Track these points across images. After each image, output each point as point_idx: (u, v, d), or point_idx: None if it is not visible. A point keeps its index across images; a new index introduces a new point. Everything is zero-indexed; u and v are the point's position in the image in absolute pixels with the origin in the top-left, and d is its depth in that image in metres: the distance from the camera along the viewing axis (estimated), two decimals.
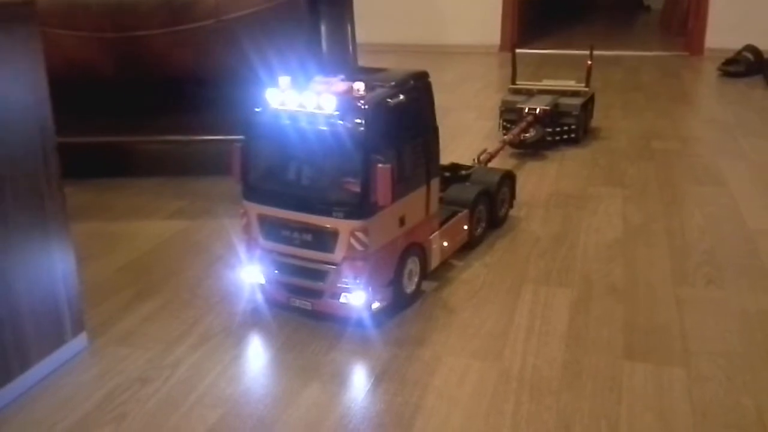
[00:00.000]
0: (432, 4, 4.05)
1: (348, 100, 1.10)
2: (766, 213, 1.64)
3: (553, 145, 2.14)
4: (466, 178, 1.53)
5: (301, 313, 1.19)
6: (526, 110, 2.10)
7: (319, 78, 1.19)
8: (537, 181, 1.86)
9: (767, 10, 3.67)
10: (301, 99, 1.12)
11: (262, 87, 1.16)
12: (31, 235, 1.00)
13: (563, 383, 1.02)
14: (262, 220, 1.17)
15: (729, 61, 3.30)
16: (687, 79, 3.24)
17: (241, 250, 1.34)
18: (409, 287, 1.22)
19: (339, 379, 1.03)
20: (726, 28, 3.71)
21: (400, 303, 1.20)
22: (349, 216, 1.10)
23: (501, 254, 1.44)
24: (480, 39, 4.03)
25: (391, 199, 1.09)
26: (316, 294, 1.16)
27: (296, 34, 1.72)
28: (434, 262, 1.30)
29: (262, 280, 1.21)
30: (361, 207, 1.09)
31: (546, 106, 2.10)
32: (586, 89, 2.25)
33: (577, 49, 3.85)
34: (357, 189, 1.09)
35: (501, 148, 1.86)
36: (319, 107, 1.10)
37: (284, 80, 1.15)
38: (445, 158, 1.48)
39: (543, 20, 4.90)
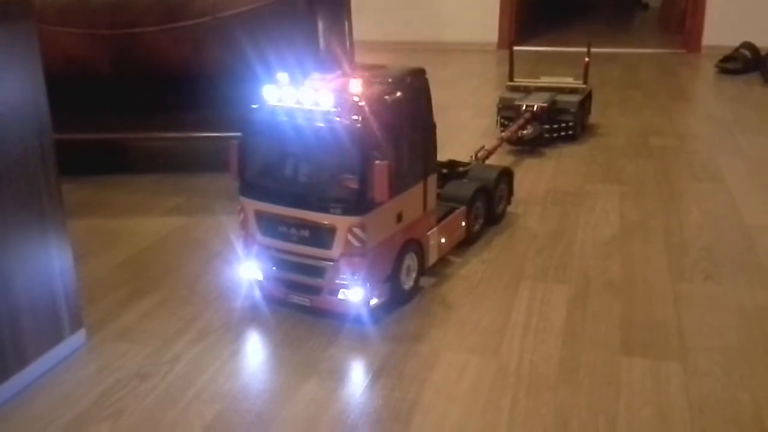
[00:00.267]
0: (430, 2, 4.05)
1: (345, 97, 1.10)
2: (763, 209, 1.64)
3: (551, 142, 2.14)
4: (464, 174, 1.53)
5: (299, 310, 1.19)
6: (524, 107, 2.10)
7: (316, 75, 1.19)
8: (534, 178, 1.86)
9: (765, 7, 3.67)
10: (299, 96, 1.12)
11: (259, 84, 1.16)
12: (28, 232, 1.00)
13: (561, 379, 1.02)
14: (260, 216, 1.17)
15: (726, 58, 3.30)
16: (685, 76, 3.24)
17: (239, 246, 1.34)
18: (407, 283, 1.23)
19: (337, 375, 1.03)
20: (723, 26, 3.71)
21: (397, 299, 1.21)
22: (346, 212, 1.10)
23: (499, 251, 1.44)
24: (478, 36, 4.03)
25: (389, 195, 1.09)
26: (314, 290, 1.16)
27: (293, 31, 1.72)
28: (432, 258, 1.30)
29: (260, 277, 1.21)
30: (358, 203, 1.09)
31: (544, 103, 2.10)
32: (584, 86, 2.25)
33: (574, 47, 3.85)
34: (354, 185, 1.09)
35: (498, 145, 1.87)
36: (317, 104, 1.10)
37: (281, 77, 1.15)
38: (443, 155, 1.49)
39: (541, 18, 4.90)
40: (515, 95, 2.21)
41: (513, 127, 2.02)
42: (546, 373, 1.03)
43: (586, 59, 2.27)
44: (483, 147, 1.77)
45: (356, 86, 1.11)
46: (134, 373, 1.05)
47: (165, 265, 1.39)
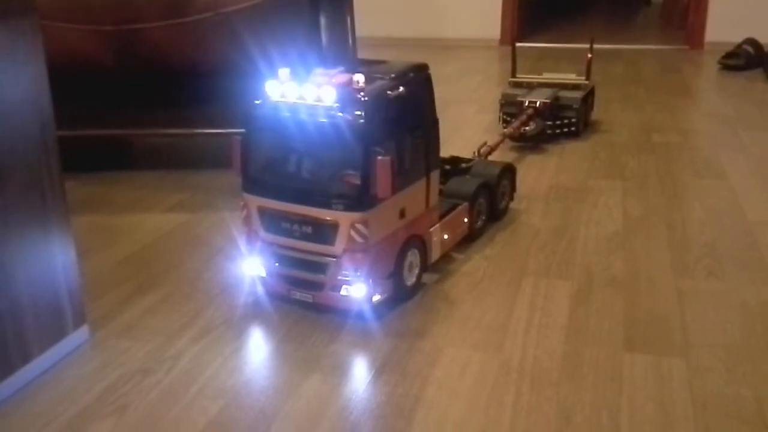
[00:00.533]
0: None
1: (348, 92, 1.10)
2: (766, 205, 1.64)
3: (554, 138, 2.14)
4: (467, 171, 1.53)
5: (302, 306, 1.19)
6: (527, 103, 2.10)
7: (319, 70, 1.19)
8: (537, 174, 1.86)
9: (767, 3, 3.66)
10: (301, 91, 1.12)
11: (261, 79, 1.16)
12: (31, 228, 1.00)
13: (564, 374, 1.02)
14: (263, 212, 1.17)
15: (729, 55, 3.29)
16: (687, 72, 3.24)
17: (242, 242, 1.34)
18: (410, 279, 1.23)
19: (340, 371, 1.03)
20: (726, 22, 3.70)
21: (400, 295, 1.21)
22: (349, 208, 1.10)
23: (501, 247, 1.44)
24: (480, 33, 4.03)
25: (392, 191, 1.09)
26: (316, 286, 1.16)
27: (296, 26, 1.72)
28: (435, 254, 1.30)
29: (263, 273, 1.21)
30: (361, 199, 1.09)
31: (546, 99, 2.10)
32: (587, 82, 2.25)
33: (577, 43, 3.84)
34: (357, 181, 1.09)
35: (501, 141, 1.86)
36: (319, 99, 1.10)
37: (284, 72, 1.15)
38: (446, 151, 1.48)
39: (543, 14, 4.89)
40: (518, 91, 2.21)
41: (515, 123, 2.02)
42: (549, 368, 1.03)
43: (589, 55, 2.27)
44: (485, 143, 1.77)
45: (359, 82, 1.11)
46: (137, 369, 1.05)
47: (168, 262, 1.39)
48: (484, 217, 1.49)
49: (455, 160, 1.57)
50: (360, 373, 1.03)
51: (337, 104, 1.09)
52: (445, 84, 2.98)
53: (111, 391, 1.00)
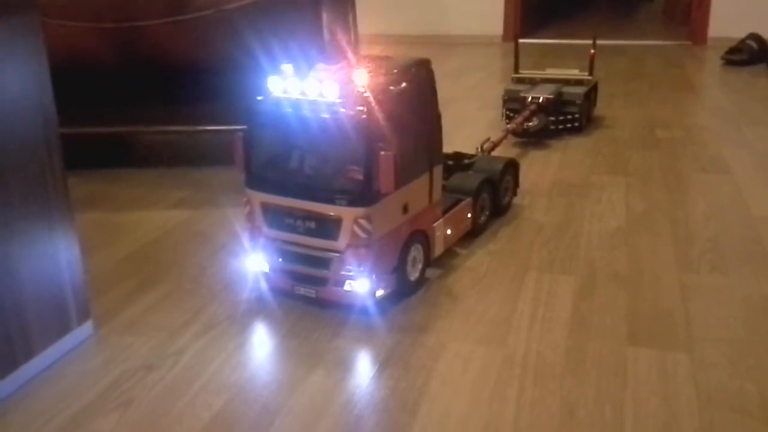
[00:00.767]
0: None
1: (350, 88, 1.10)
2: None
3: (557, 133, 2.13)
4: (470, 166, 1.53)
5: (306, 301, 1.19)
6: (530, 99, 2.09)
7: (321, 66, 1.19)
8: (540, 170, 1.85)
9: None
10: (304, 87, 1.12)
11: (263, 76, 1.16)
12: (35, 225, 1.01)
13: (567, 369, 1.02)
14: (266, 208, 1.17)
15: (732, 50, 3.29)
16: (690, 68, 3.23)
17: (245, 238, 1.34)
18: (413, 274, 1.22)
19: (343, 366, 1.03)
20: (729, 17, 3.69)
21: (404, 290, 1.20)
22: (352, 203, 1.10)
23: (504, 242, 1.44)
24: (483, 29, 4.02)
25: (394, 186, 1.09)
26: (320, 281, 1.16)
27: (297, 23, 1.71)
28: (438, 249, 1.30)
29: (266, 268, 1.21)
30: (364, 194, 1.09)
31: (549, 94, 2.09)
32: (590, 78, 2.24)
33: (580, 39, 3.83)
34: (360, 176, 1.09)
35: (504, 137, 1.86)
36: (322, 95, 1.10)
37: (286, 68, 1.15)
38: (448, 148, 1.48)
39: (545, 10, 4.88)
40: (521, 87, 2.21)
41: (518, 118, 2.02)
42: (552, 363, 1.03)
43: (592, 51, 2.27)
44: (488, 139, 1.77)
45: (361, 77, 1.11)
46: (141, 365, 1.05)
47: (170, 258, 1.39)
48: (487, 213, 1.49)
49: (458, 156, 1.57)
50: (363, 368, 1.03)
51: (340, 100, 1.09)
52: (447, 80, 2.98)
53: (115, 387, 1.00)
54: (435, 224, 1.27)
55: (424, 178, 1.22)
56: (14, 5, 0.95)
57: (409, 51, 3.66)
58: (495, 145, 1.76)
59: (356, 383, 1.00)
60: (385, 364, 1.04)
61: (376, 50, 1.47)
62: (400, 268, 1.18)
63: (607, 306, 1.19)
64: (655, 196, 1.67)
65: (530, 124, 2.03)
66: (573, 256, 1.37)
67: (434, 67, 1.25)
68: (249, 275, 1.29)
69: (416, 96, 1.19)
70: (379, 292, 1.16)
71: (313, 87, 1.11)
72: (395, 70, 1.16)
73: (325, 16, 1.74)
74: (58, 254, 1.05)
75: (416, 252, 1.22)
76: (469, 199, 1.39)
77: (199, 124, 1.81)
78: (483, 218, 1.47)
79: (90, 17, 1.71)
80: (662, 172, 1.83)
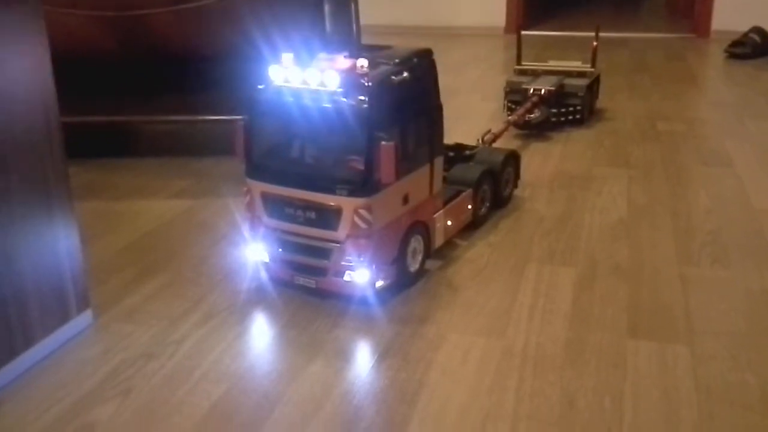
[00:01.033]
0: None
1: (352, 77, 1.09)
2: None
3: (558, 125, 2.13)
4: (471, 158, 1.52)
5: (305, 291, 1.19)
6: (531, 91, 2.09)
7: (322, 55, 1.18)
8: (541, 162, 1.85)
9: None
10: (305, 76, 1.11)
11: (265, 64, 1.16)
12: (35, 214, 1.00)
13: (567, 360, 1.02)
14: (266, 198, 1.17)
15: (735, 43, 3.28)
16: (693, 61, 3.22)
17: (245, 228, 1.34)
18: (413, 266, 1.22)
19: (343, 356, 1.03)
20: (733, 10, 3.68)
21: (403, 281, 1.20)
22: (352, 194, 1.09)
23: (505, 234, 1.43)
24: (485, 21, 4.01)
25: (395, 176, 1.09)
26: (320, 272, 1.16)
27: (300, 13, 1.71)
28: (438, 240, 1.30)
29: (266, 259, 1.21)
30: (364, 184, 1.09)
31: (551, 86, 2.09)
32: (592, 70, 2.23)
33: (582, 31, 3.82)
34: (360, 166, 1.09)
35: (505, 129, 1.86)
36: (323, 84, 1.10)
37: (287, 57, 1.15)
38: (450, 139, 1.48)
39: (548, 2, 4.87)
40: (523, 79, 2.20)
41: (520, 110, 2.01)
42: (552, 354, 1.03)
43: (594, 43, 2.26)
44: (490, 130, 1.76)
45: (363, 67, 1.10)
46: (141, 354, 1.05)
47: (171, 247, 1.39)
48: (488, 204, 1.48)
49: (459, 147, 1.56)
50: (363, 359, 1.03)
51: (341, 89, 1.08)
52: (449, 72, 2.97)
53: (114, 375, 1.00)
54: (435, 215, 1.27)
55: (425, 169, 1.22)
56: None
57: (411, 42, 3.65)
58: (496, 137, 1.76)
59: (356, 374, 1.00)
60: (384, 354, 1.04)
61: (379, 41, 1.46)
62: (400, 259, 1.18)
63: (608, 298, 1.19)
64: (657, 189, 1.66)
65: (532, 115, 2.03)
66: (574, 248, 1.37)
67: (436, 58, 1.24)
68: (249, 265, 1.29)
69: (418, 86, 1.19)
70: (379, 283, 1.15)
71: (315, 76, 1.10)
72: (397, 60, 1.16)
73: (327, 6, 1.73)
74: (58, 243, 1.05)
75: (416, 243, 1.22)
76: (469, 191, 1.39)
77: (200, 113, 1.81)
78: (484, 210, 1.47)
79: (92, 5, 1.70)
80: (664, 165, 1.82)
